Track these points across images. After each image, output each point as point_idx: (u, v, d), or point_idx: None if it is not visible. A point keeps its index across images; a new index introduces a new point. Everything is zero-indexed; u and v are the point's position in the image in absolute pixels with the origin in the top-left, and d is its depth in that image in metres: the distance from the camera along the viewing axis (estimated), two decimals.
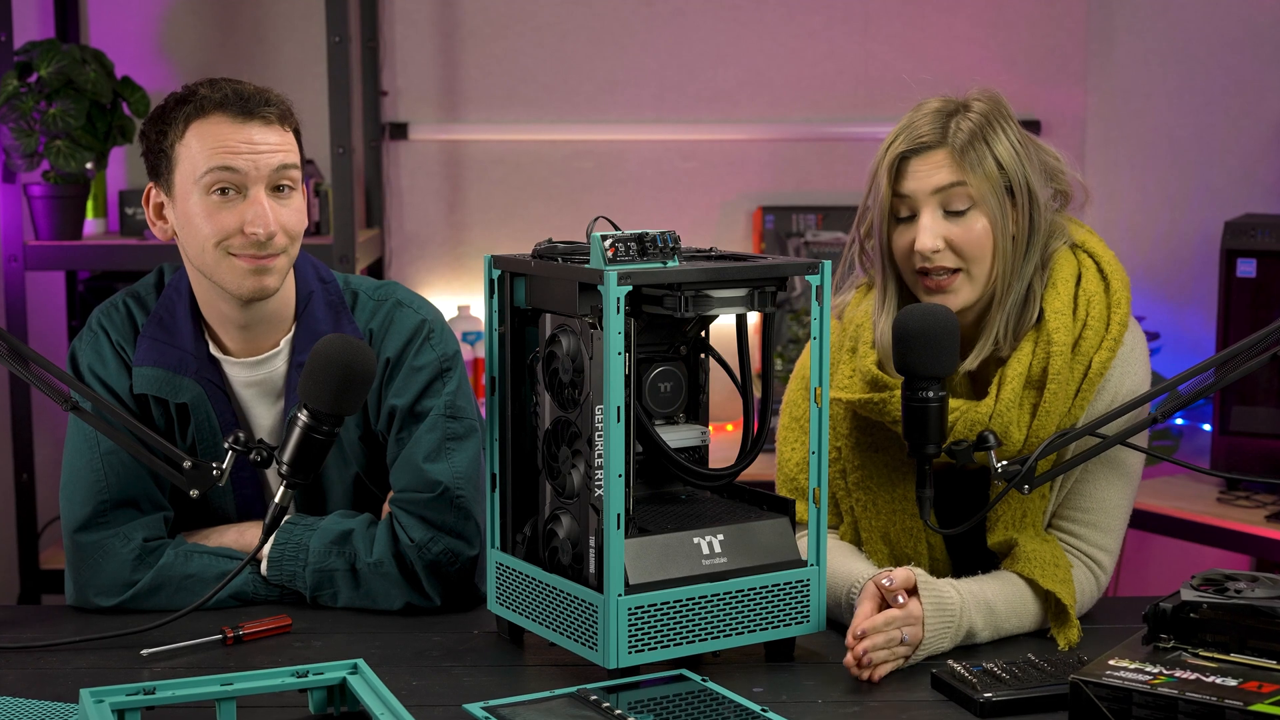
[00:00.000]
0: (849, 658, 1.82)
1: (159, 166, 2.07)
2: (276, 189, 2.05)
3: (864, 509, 2.07)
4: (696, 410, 1.96)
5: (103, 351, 2.15)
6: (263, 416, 2.18)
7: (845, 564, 2.01)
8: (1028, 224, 2.00)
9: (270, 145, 2.03)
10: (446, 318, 3.89)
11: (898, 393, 1.97)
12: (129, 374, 2.14)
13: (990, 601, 1.94)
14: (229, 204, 2.02)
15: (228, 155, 2.01)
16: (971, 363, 2.01)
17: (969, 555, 2.05)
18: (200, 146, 2.02)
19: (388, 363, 2.15)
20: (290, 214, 2.06)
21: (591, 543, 1.81)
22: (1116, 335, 2.00)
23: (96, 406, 2.02)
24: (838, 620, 1.97)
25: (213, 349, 2.14)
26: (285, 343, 2.15)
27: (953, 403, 1.96)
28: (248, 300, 2.07)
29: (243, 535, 2.15)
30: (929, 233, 1.97)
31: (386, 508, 2.16)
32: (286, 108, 2.08)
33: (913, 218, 2.00)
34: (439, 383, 2.14)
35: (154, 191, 2.10)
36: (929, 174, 1.98)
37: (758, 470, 1.96)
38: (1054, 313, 1.99)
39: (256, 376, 2.15)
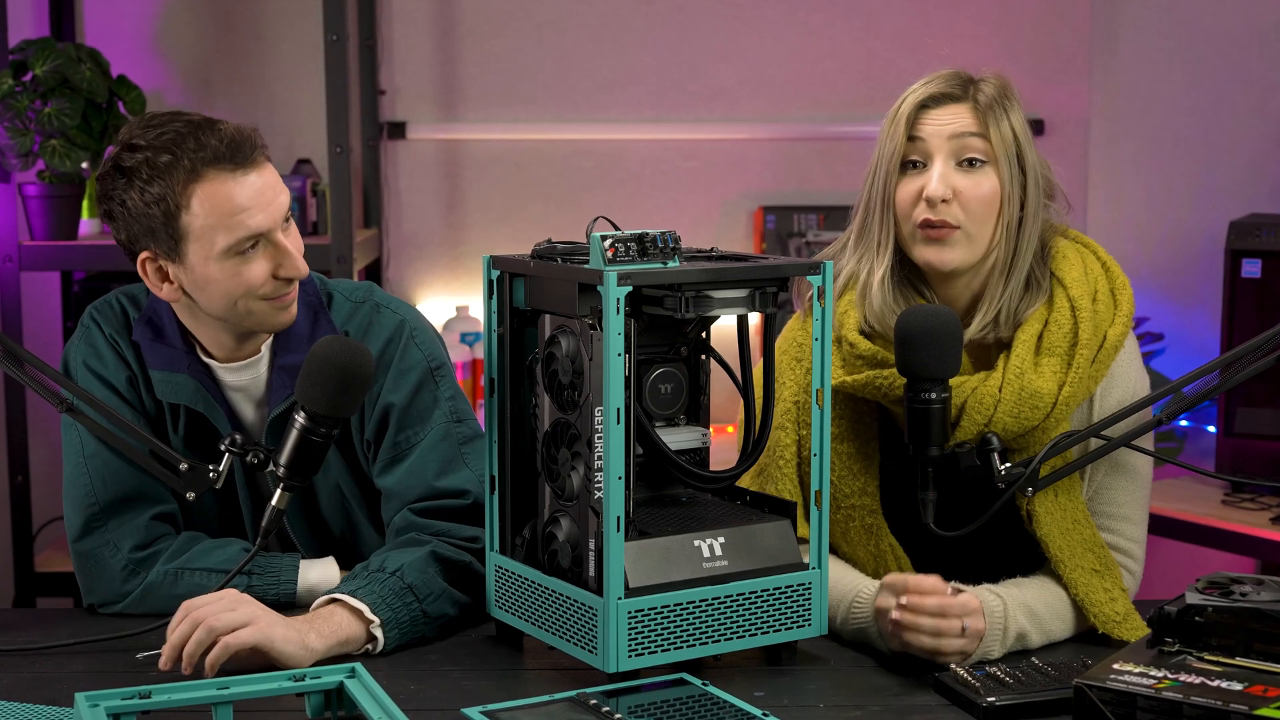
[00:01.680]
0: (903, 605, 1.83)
1: (156, 235, 1.97)
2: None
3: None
4: (697, 412, 1.95)
5: (97, 345, 2.12)
6: (250, 419, 2.16)
7: (843, 575, 1.99)
8: (1035, 202, 1.99)
9: (273, 188, 1.99)
10: (445, 319, 3.91)
11: (891, 371, 1.96)
12: (126, 366, 2.12)
13: (1029, 604, 1.93)
14: (251, 258, 1.98)
15: (246, 219, 1.96)
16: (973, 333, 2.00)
17: (937, 561, 2.03)
18: (214, 216, 1.95)
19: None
20: (298, 240, 2.05)
21: (591, 545, 1.80)
22: (1128, 313, 2.00)
23: (93, 408, 2.01)
24: (835, 635, 1.96)
25: (199, 353, 2.13)
26: (265, 348, 2.12)
27: (961, 380, 1.95)
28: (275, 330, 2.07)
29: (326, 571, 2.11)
30: (940, 179, 1.96)
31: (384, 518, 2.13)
32: (262, 140, 2.02)
33: (921, 169, 1.99)
34: (431, 384, 2.12)
35: (149, 260, 2.00)
36: (949, 121, 1.97)
37: None
38: (1073, 280, 1.98)
39: (241, 381, 2.13)
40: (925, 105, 1.99)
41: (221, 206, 1.95)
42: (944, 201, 1.95)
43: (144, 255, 2.01)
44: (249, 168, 1.96)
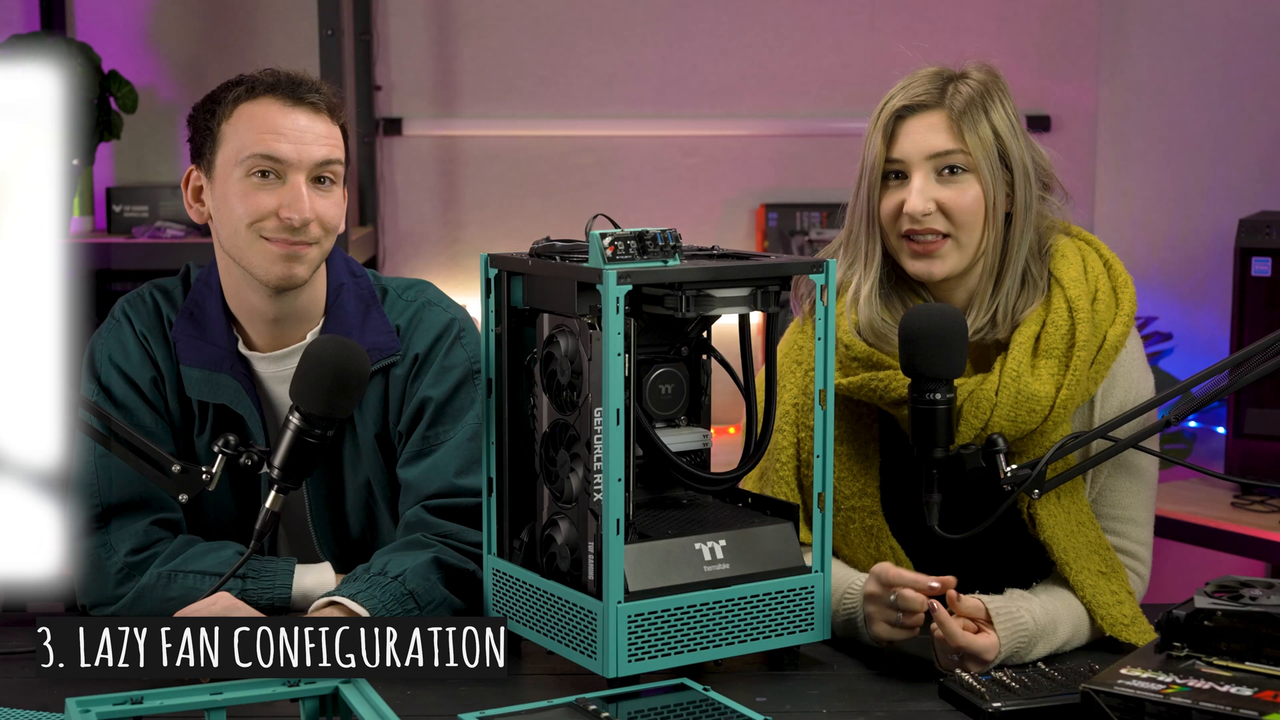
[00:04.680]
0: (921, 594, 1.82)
1: (203, 148, 2.07)
2: (317, 180, 2.05)
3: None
4: (698, 413, 1.93)
5: (125, 341, 2.12)
6: None
7: (837, 569, 1.96)
8: (1023, 197, 1.97)
9: (316, 135, 2.04)
10: None
11: (896, 372, 1.94)
12: (152, 365, 2.12)
13: (1059, 632, 1.91)
14: (267, 187, 2.02)
15: (272, 140, 2.01)
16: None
17: (940, 564, 2.01)
18: (247, 128, 2.02)
19: (416, 358, 2.13)
20: (328, 205, 2.06)
21: (590, 548, 1.78)
22: (1129, 312, 1.98)
23: (88, 410, 1.98)
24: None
25: (240, 346, 2.12)
26: (312, 335, 2.12)
27: (958, 382, 1.93)
28: (276, 288, 2.05)
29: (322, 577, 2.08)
30: (920, 194, 1.95)
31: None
32: (336, 102, 2.09)
33: (903, 179, 1.97)
34: (471, 385, 2.12)
35: (194, 174, 2.10)
36: (924, 136, 1.96)
37: None
38: (1070, 281, 1.96)
39: (284, 371, 2.11)
40: (902, 115, 1.97)
41: (256, 123, 2.02)
42: (927, 215, 1.94)
43: (190, 171, 2.10)
44: (299, 106, 2.03)
